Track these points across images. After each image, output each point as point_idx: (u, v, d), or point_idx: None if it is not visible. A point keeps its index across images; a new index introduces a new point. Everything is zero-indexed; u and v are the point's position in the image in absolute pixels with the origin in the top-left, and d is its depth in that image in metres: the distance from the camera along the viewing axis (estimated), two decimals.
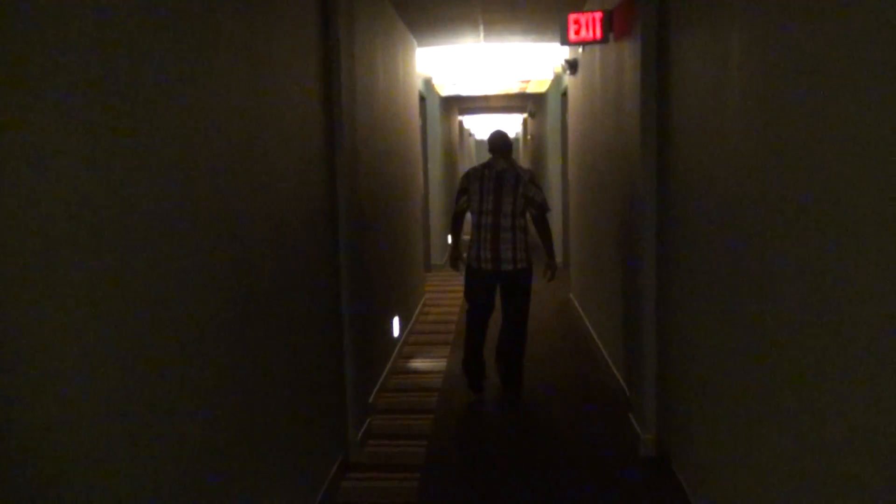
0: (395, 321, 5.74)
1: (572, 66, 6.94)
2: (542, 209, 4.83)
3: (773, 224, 2.15)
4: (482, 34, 7.31)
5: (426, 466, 3.83)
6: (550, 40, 7.51)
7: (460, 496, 3.53)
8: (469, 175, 4.93)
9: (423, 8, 6.11)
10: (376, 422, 4.43)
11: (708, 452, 2.92)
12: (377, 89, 5.14)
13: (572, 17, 4.87)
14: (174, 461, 1.86)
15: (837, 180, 1.75)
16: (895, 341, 1.51)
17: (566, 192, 9.26)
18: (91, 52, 1.52)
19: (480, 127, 20.78)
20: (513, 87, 11.35)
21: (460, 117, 16.93)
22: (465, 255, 5.26)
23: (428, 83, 10.06)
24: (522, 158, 19.44)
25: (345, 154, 3.78)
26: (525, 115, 17.10)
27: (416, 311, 7.23)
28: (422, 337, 6.62)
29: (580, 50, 6.48)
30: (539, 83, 10.85)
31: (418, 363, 5.77)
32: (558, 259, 10.17)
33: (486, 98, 13.30)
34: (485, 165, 4.90)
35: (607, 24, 4.75)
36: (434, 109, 10.53)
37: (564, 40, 4.94)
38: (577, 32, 4.87)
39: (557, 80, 9.99)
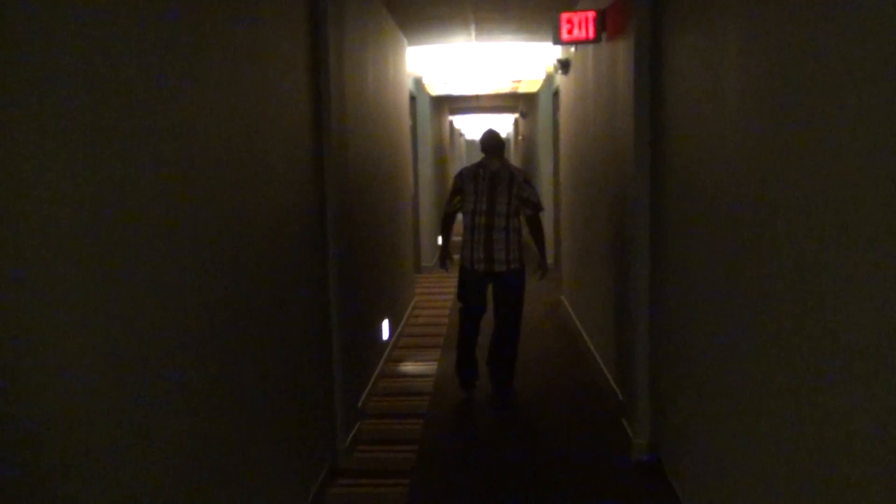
0: (385, 324, 5.68)
1: (564, 65, 6.89)
2: (536, 209, 4.81)
3: (770, 224, 2.12)
4: (473, 33, 7.25)
5: (416, 472, 3.77)
6: (542, 40, 7.45)
7: (451, 503, 3.47)
8: (462, 175, 4.88)
9: (414, 6, 6.05)
10: (365, 427, 4.37)
11: (702, 458, 2.88)
12: (367, 88, 5.08)
13: (565, 16, 4.83)
14: (156, 468, 1.81)
15: (835, 180, 1.72)
16: (894, 345, 1.47)
17: (557, 193, 9.22)
18: (69, 54, 1.46)
19: (471, 127, 20.74)
20: (504, 87, 11.31)
21: (451, 117, 16.87)
22: (454, 256, 5.22)
23: (418, 82, 10.00)
24: (513, 159, 19.41)
25: (334, 154, 3.72)
26: (516, 116, 17.06)
27: (406, 314, 7.17)
28: (412, 340, 6.55)
29: (572, 49, 6.43)
30: (530, 83, 10.81)
31: (408, 367, 5.71)
32: (549, 260, 10.13)
33: (476, 98, 13.26)
34: (478, 165, 4.86)
35: (600, 23, 4.72)
36: (424, 109, 10.47)
37: (557, 40, 4.89)
38: (569, 32, 4.83)
39: (549, 79, 9.95)
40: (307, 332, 3.34)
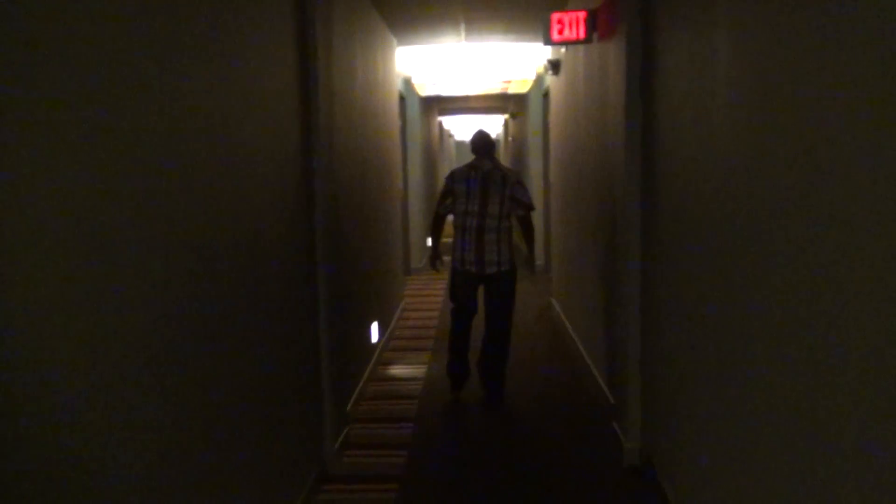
0: (374, 326, 5.63)
1: (555, 66, 6.86)
2: (528, 210, 4.81)
3: (764, 225, 2.10)
4: (463, 33, 7.21)
5: (406, 477, 3.73)
6: (533, 40, 7.42)
7: None
8: (454, 176, 4.85)
9: (403, 5, 6.00)
10: (354, 431, 4.31)
11: (694, 462, 2.85)
12: (356, 88, 5.03)
13: (555, 16, 4.80)
14: (138, 475, 1.76)
15: (830, 180, 1.70)
16: (890, 350, 1.44)
17: (548, 195, 9.19)
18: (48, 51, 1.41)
19: (461, 128, 20.70)
20: (494, 88, 11.28)
21: (440, 118, 16.83)
22: (444, 257, 5.18)
23: (408, 83, 9.96)
24: (503, 160, 19.37)
25: (322, 155, 3.67)
26: (506, 116, 17.03)
27: (396, 317, 7.12)
28: (401, 343, 6.50)
29: (563, 50, 6.40)
30: (521, 83, 10.78)
31: (398, 370, 5.66)
32: (540, 262, 10.12)
33: (466, 98, 13.22)
34: (470, 166, 4.82)
35: (591, 23, 4.69)
36: (414, 110, 10.42)
37: (547, 40, 4.86)
38: (560, 32, 4.80)
39: (539, 80, 9.92)
40: (294, 335, 3.28)
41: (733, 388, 2.36)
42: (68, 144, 1.50)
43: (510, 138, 16.75)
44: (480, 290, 4.92)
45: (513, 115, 14.70)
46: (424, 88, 10.53)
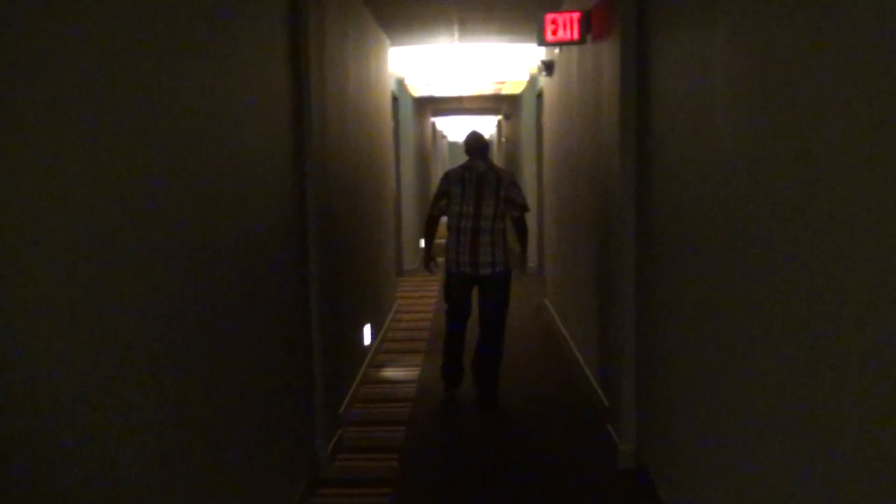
0: (367, 329, 5.59)
1: (548, 67, 6.85)
2: (523, 210, 4.81)
3: (762, 228, 2.08)
4: (457, 34, 7.18)
5: (399, 481, 3.70)
6: (527, 41, 7.40)
7: None
8: (448, 177, 4.83)
9: (397, 6, 5.97)
10: (347, 434, 4.28)
11: (689, 466, 2.83)
12: (348, 89, 5.00)
13: (549, 17, 4.78)
14: (125, 481, 1.72)
15: (828, 181, 1.69)
16: (888, 352, 1.43)
17: (541, 196, 9.17)
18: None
19: (454, 129, 20.68)
20: (487, 89, 11.24)
21: (433, 119, 16.80)
22: (438, 258, 5.15)
23: (401, 83, 9.92)
24: (497, 161, 19.33)
25: (315, 156, 3.64)
26: (499, 118, 17.01)
27: (388, 318, 7.08)
28: (394, 345, 6.47)
29: (556, 51, 6.39)
30: (514, 84, 10.75)
31: (391, 372, 5.63)
32: (533, 264, 10.10)
33: (459, 99, 13.18)
34: (465, 167, 4.81)
35: (585, 24, 4.68)
36: (407, 110, 10.39)
37: (541, 41, 4.85)
38: (554, 33, 4.78)
39: (533, 81, 9.90)
40: (286, 337, 3.25)
41: (730, 390, 2.34)
42: (66, 146, 1.48)
43: (503, 139, 16.73)
44: (474, 292, 4.90)
45: (506, 117, 14.67)
46: (417, 89, 10.49)
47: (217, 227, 2.37)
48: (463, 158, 4.94)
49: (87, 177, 1.58)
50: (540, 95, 8.95)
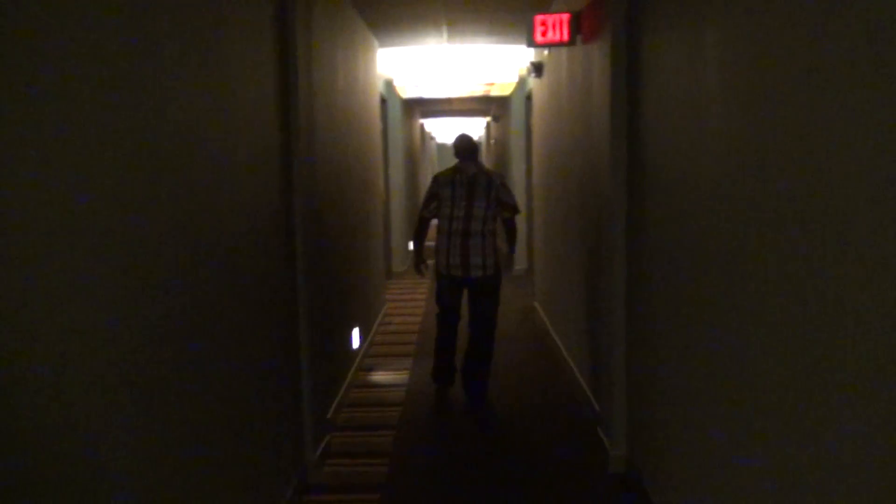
0: (355, 332, 5.55)
1: (538, 68, 6.82)
2: (514, 212, 4.81)
3: (752, 231, 2.06)
4: (445, 35, 7.15)
5: (388, 486, 3.65)
6: (516, 42, 7.38)
7: None
8: (438, 180, 4.80)
9: (385, 7, 5.93)
10: (335, 440, 4.23)
11: (681, 471, 2.80)
12: (336, 91, 4.96)
13: (538, 18, 4.75)
14: (109, 481, 1.67)
15: (821, 184, 1.67)
16: (883, 356, 1.41)
17: (531, 198, 9.16)
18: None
19: (442, 130, 20.65)
20: (476, 90, 11.21)
21: (422, 120, 16.77)
22: (428, 261, 5.12)
23: (389, 85, 9.88)
24: (486, 163, 19.32)
25: (302, 156, 3.60)
26: (488, 119, 16.99)
27: (377, 321, 7.04)
28: (383, 348, 6.42)
29: (546, 52, 6.36)
30: (503, 86, 10.73)
31: (379, 376, 5.58)
32: (523, 266, 10.09)
33: (448, 101, 13.14)
34: (455, 170, 4.78)
35: (575, 26, 4.65)
36: (395, 112, 10.35)
37: (530, 42, 4.82)
38: (543, 34, 4.75)
39: (522, 83, 9.89)
40: (273, 341, 3.20)
41: (722, 395, 2.32)
42: (46, 142, 1.44)
43: (492, 141, 16.71)
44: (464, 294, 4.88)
45: (495, 118, 14.66)
46: (406, 91, 10.45)
47: (202, 230, 2.32)
48: (452, 160, 4.91)
49: (67, 175, 1.54)
50: (529, 97, 8.94)
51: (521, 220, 9.98)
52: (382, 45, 7.50)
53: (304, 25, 3.70)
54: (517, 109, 10.45)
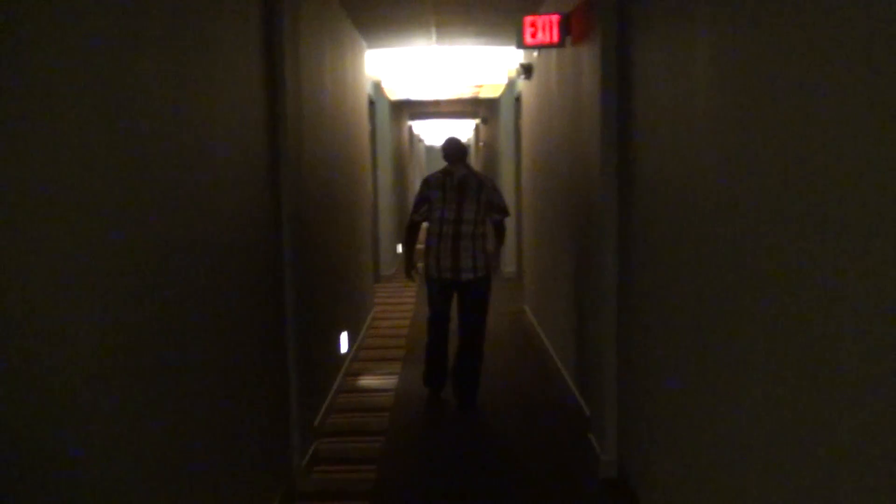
0: (343, 336, 5.49)
1: (527, 70, 6.80)
2: (504, 214, 4.81)
3: (744, 233, 2.03)
4: (434, 36, 7.11)
5: (376, 493, 3.60)
6: (505, 44, 7.34)
7: None
8: (429, 183, 4.76)
9: (373, 8, 5.88)
10: (323, 446, 4.18)
11: (672, 476, 2.77)
12: (324, 92, 4.91)
13: (528, 19, 4.72)
14: (92, 488, 1.61)
15: (812, 186, 1.65)
16: (877, 361, 1.39)
17: (520, 200, 9.13)
18: None
19: (431, 133, 20.60)
20: (465, 92, 11.19)
21: (410, 122, 16.71)
22: (419, 264, 5.08)
23: (377, 87, 9.83)
24: (474, 165, 19.29)
25: (289, 159, 3.55)
26: (477, 121, 16.95)
27: (365, 325, 6.99)
28: (371, 352, 6.36)
29: (535, 54, 6.34)
30: (492, 88, 10.71)
31: (368, 381, 5.52)
32: (511, 269, 10.07)
33: (437, 103, 13.11)
34: (444, 173, 4.75)
35: (564, 27, 4.63)
36: (384, 114, 10.30)
37: (520, 44, 4.79)
38: (533, 36, 4.72)
39: (511, 84, 9.86)
40: (260, 346, 3.15)
41: (712, 400, 2.29)
42: (27, 143, 1.39)
43: (481, 143, 16.69)
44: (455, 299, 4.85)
45: (484, 120, 14.63)
46: (394, 92, 10.41)
47: (189, 235, 2.27)
48: (441, 163, 4.87)
49: (47, 177, 1.48)
50: (518, 99, 8.91)
51: (510, 223, 9.96)
52: (371, 46, 7.45)
53: (292, 26, 3.65)
54: (506, 111, 10.42)
